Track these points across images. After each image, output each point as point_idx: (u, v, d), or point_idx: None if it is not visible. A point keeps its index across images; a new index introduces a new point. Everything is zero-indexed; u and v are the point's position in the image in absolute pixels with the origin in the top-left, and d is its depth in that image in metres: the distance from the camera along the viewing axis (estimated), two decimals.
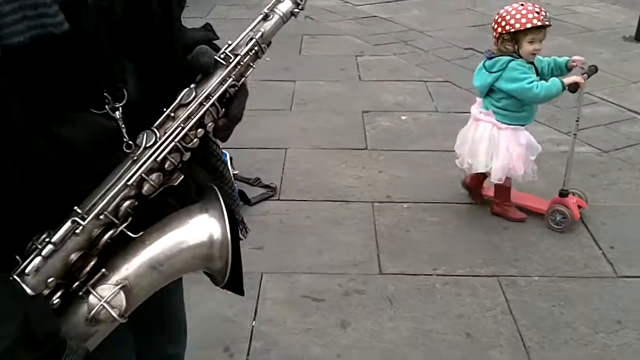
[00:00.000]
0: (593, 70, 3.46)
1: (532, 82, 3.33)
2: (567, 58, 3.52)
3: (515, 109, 3.47)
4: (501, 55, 3.41)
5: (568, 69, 3.48)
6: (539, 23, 3.29)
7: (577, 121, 3.57)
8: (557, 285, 3.21)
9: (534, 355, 2.78)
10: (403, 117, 5.18)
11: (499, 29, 3.38)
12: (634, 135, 4.86)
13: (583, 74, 3.40)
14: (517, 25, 3.30)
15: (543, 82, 3.36)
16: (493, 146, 3.49)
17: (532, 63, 3.45)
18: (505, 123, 3.48)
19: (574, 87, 3.32)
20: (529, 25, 3.29)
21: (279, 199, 3.99)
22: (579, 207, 3.63)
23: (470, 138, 3.61)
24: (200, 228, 1.17)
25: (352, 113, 5.22)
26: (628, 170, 4.35)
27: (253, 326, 2.94)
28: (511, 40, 3.38)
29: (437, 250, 3.49)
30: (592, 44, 6.98)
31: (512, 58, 3.38)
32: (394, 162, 4.47)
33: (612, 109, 5.35)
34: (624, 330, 2.92)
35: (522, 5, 3.37)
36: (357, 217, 3.80)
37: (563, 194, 3.58)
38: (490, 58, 3.46)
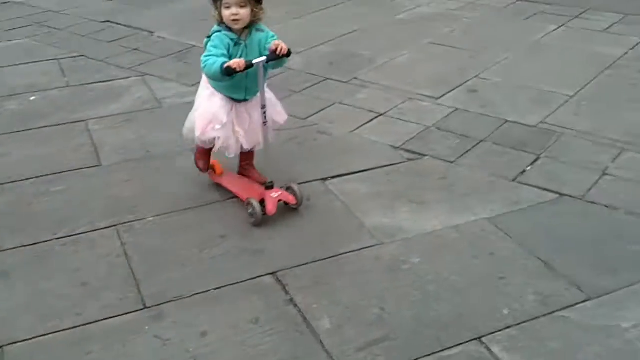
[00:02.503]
0: (272, 56, 3.20)
1: (209, 56, 3.18)
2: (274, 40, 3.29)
3: None
4: (217, 25, 3.30)
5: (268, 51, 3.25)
6: None
7: (262, 108, 3.32)
8: (171, 220, 3.51)
9: (144, 285, 3.03)
10: (32, 98, 5.10)
11: None
12: None
13: (258, 60, 3.18)
14: None
15: (222, 59, 3.15)
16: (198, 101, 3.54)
17: (246, 39, 3.28)
18: (210, 84, 3.42)
19: (227, 71, 3.07)
20: None
21: None
22: (286, 203, 3.48)
23: None
24: None
25: None
26: None
27: None
28: (215, 9, 3.26)
29: (58, 216, 3.57)
30: None
31: (219, 29, 3.26)
32: (23, 142, 4.41)
33: None
34: (226, 243, 3.32)
35: None
36: None
37: (267, 186, 3.45)
38: None
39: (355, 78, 5.26)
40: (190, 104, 4.76)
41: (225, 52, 3.20)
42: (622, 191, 3.65)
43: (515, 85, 5.02)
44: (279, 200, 3.42)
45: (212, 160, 3.73)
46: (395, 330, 2.74)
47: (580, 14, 6.58)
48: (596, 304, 2.85)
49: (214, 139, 3.40)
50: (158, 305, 2.91)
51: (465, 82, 5.12)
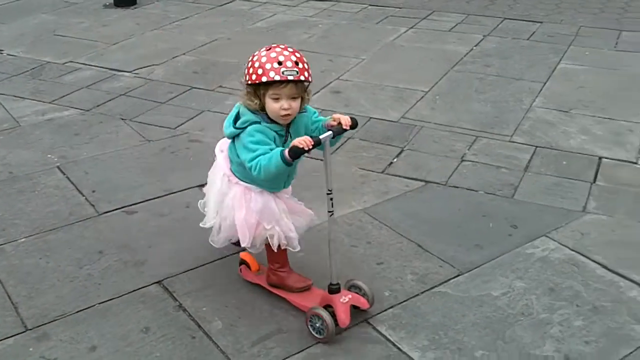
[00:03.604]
0: (339, 129, 2.61)
1: (257, 157, 2.53)
2: (326, 119, 2.71)
3: None
4: (249, 111, 2.61)
5: (325, 127, 2.66)
6: (277, 77, 2.46)
7: (329, 194, 2.72)
8: (44, 240, 3.38)
9: (23, 307, 2.90)
10: None
11: (243, 79, 2.59)
12: (114, 90, 5.25)
13: (324, 135, 2.58)
14: (254, 77, 2.50)
15: (277, 150, 2.52)
16: (220, 199, 2.81)
17: (288, 127, 2.64)
18: (237, 177, 2.74)
19: (294, 154, 2.45)
20: (264, 79, 2.47)
21: None
22: (356, 307, 2.77)
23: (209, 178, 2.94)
24: None
25: None
26: (108, 121, 4.70)
27: None
28: (255, 94, 2.57)
29: None
30: (73, 15, 7.21)
31: (258, 121, 2.58)
32: None
33: (94, 71, 5.66)
34: (105, 257, 3.24)
35: (268, 49, 2.53)
36: None
37: (333, 289, 2.73)
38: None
39: (221, 86, 5.30)
40: (52, 121, 4.65)
41: (273, 145, 2.56)
42: (479, 174, 3.96)
43: (375, 85, 5.28)
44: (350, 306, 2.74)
45: (244, 254, 3.02)
46: (287, 323, 2.82)
47: (427, 15, 7.02)
48: (467, 278, 3.08)
49: (267, 238, 2.77)
50: (40, 325, 2.80)
51: (328, 83, 5.31)
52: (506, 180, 3.88)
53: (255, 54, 2.53)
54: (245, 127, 2.56)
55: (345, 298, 2.71)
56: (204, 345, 2.70)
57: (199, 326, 2.80)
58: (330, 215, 2.68)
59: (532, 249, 3.26)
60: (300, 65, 2.48)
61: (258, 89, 2.53)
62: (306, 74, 2.49)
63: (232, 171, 2.74)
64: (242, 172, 2.68)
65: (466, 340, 2.70)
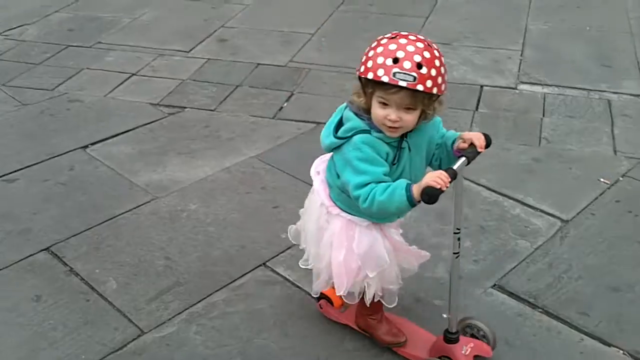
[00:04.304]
0: (474, 153, 2.01)
1: (367, 183, 1.94)
2: (456, 134, 2.09)
3: None
4: (356, 116, 1.99)
5: (455, 153, 2.05)
6: (386, 79, 1.84)
7: (456, 233, 2.19)
8: None
9: None
10: None
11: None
12: None
13: (459, 164, 1.98)
14: (362, 69, 1.90)
15: (401, 183, 1.93)
16: (319, 234, 2.22)
17: (404, 139, 2.00)
18: (339, 207, 2.14)
19: (429, 199, 1.84)
20: (370, 75, 1.87)
21: None
22: (478, 356, 2.30)
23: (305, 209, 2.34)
24: None
25: None
26: None
27: None
28: (363, 92, 1.96)
29: None
30: None
31: (366, 129, 1.96)
32: None
33: None
34: None
35: (392, 37, 1.89)
36: None
37: (451, 339, 2.25)
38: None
39: (100, 42, 5.06)
40: None
41: (386, 167, 1.98)
42: None
43: (261, 30, 5.20)
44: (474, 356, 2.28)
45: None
46: (184, 275, 2.79)
47: None
48: None
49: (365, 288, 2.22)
50: None
51: (213, 32, 5.18)
52: None
53: (378, 38, 1.92)
54: (350, 137, 1.98)
55: (467, 349, 2.24)
56: (99, 307, 2.63)
57: (93, 288, 2.72)
58: (456, 257, 2.18)
59: None
60: (424, 70, 1.82)
61: (367, 84, 1.93)
62: (429, 83, 1.83)
63: (331, 199, 2.15)
64: (345, 199, 2.09)
65: None
